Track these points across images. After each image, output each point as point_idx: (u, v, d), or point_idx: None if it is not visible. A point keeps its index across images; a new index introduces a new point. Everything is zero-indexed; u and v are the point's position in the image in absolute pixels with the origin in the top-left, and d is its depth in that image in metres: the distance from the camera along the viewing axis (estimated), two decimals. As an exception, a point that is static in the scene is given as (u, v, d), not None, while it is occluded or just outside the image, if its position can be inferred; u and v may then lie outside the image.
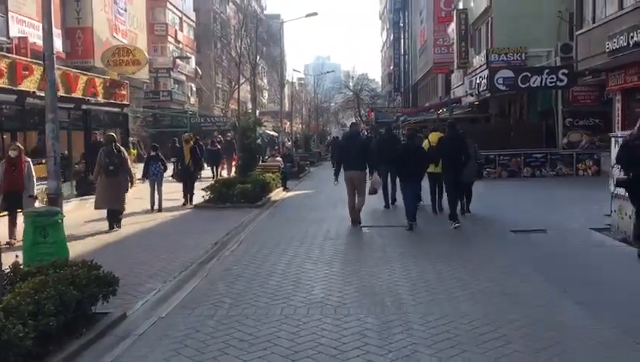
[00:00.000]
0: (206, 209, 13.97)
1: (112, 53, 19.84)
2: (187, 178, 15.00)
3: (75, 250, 8.01)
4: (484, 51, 26.04)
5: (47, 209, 5.86)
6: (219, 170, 21.26)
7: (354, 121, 75.71)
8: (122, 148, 11.58)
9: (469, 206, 12.06)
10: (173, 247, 9.17)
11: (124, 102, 19.80)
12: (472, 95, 25.31)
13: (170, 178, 15.70)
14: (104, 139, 12.29)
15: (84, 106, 17.19)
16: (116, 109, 19.43)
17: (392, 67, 71.56)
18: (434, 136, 13.81)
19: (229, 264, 7.86)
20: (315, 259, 8.03)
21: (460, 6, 32.36)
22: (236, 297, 6.23)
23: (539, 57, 24.56)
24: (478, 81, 23.54)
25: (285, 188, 18.98)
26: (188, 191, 14.88)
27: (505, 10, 25.17)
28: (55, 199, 5.97)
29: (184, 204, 14.56)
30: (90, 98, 17.10)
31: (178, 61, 52.17)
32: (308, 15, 28.31)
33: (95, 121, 18.27)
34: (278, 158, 20.33)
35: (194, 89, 57.84)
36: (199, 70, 56.78)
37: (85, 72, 18.02)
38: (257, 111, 72.85)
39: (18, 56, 16.09)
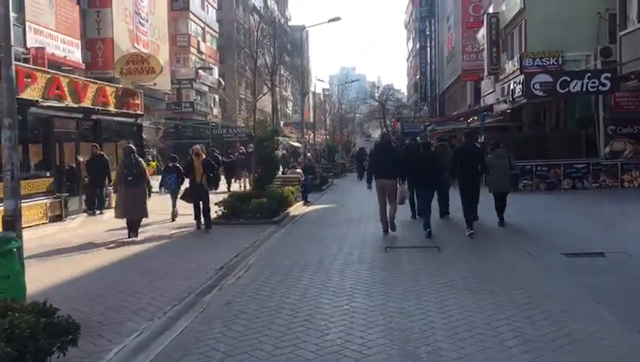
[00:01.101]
0: (218, 225, 12.83)
1: (126, 61, 19.02)
2: (199, 198, 12.16)
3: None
4: (518, 56, 24.60)
5: (0, 235, 4.77)
6: (232, 182, 20.01)
7: (384, 131, 74.67)
8: (141, 159, 11.88)
9: (502, 216, 11.65)
10: (172, 272, 8.03)
11: (138, 111, 18.91)
12: (505, 102, 23.83)
13: (179, 198, 13.23)
14: (123, 150, 12.47)
15: (94, 116, 16.31)
16: (129, 119, 18.55)
17: (418, 76, 70.26)
18: None
19: (232, 296, 6.66)
20: (333, 289, 6.79)
21: (491, 10, 30.94)
22: (233, 343, 5.03)
23: (576, 62, 23.03)
24: (512, 87, 22.09)
25: (306, 202, 17.82)
26: (202, 214, 12.24)
27: (539, 13, 23.72)
28: (12, 222, 4.88)
29: (198, 228, 12.26)
30: (100, 108, 16.19)
31: (201, 72, 51.66)
32: (330, 20, 27.18)
33: (106, 132, 17.40)
34: (298, 170, 19.18)
35: (217, 100, 57.27)
36: (222, 81, 56.20)
37: (95, 81, 17.17)
38: (282, 122, 72.38)
39: (20, 63, 15.24)
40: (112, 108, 17.07)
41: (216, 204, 13.73)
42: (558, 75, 19.78)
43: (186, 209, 13.31)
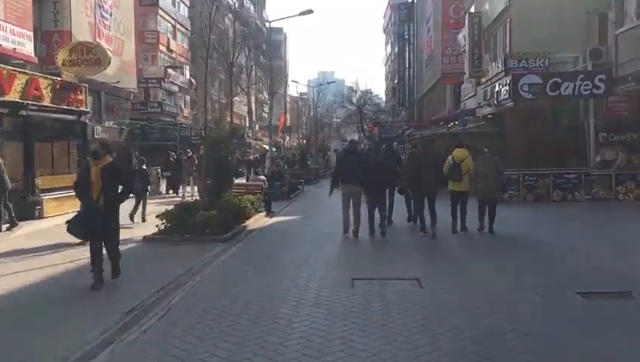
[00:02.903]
0: (155, 243, 10.78)
1: (70, 50, 16.82)
2: (94, 231, 7.45)
3: None
4: (502, 57, 23.00)
5: None
6: (179, 189, 17.53)
7: (355, 137, 73.19)
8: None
9: (491, 226, 11.28)
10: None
11: (82, 108, 16.72)
12: (489, 105, 22.14)
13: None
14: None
15: (23, 112, 14.10)
16: (71, 117, 16.34)
17: (396, 81, 68.98)
18: (460, 153, 11.87)
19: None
20: (272, 351, 4.82)
21: (472, 10, 29.40)
22: None
23: (564, 64, 21.52)
24: (497, 89, 20.40)
25: (269, 213, 15.82)
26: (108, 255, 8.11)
27: (525, 12, 22.19)
28: None
29: (97, 284, 7.39)
30: (30, 102, 14.00)
31: (170, 71, 49.29)
32: (302, 13, 25.25)
33: (40, 130, 15.18)
34: (261, 177, 17.18)
35: (187, 101, 54.91)
36: (194, 81, 53.89)
37: (26, 71, 14.96)
38: (257, 126, 70.21)
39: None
40: (47, 103, 14.88)
41: (157, 216, 11.66)
42: (548, 76, 18.14)
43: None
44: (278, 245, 10.54)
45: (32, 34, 27.34)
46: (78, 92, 16.62)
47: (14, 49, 26.68)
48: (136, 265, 8.64)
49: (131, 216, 13.50)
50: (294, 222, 14.48)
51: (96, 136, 36.20)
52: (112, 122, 41.35)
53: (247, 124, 65.55)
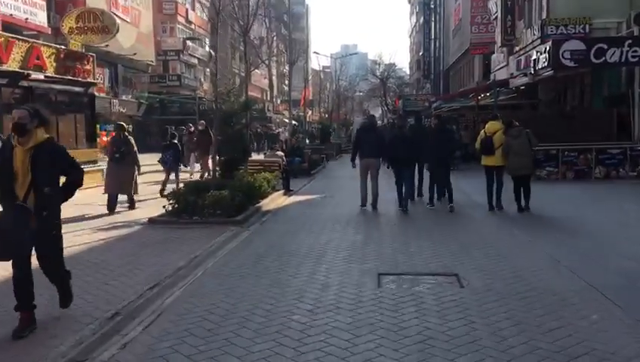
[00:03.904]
0: (160, 226, 9.80)
1: (76, 18, 15.78)
2: (18, 244, 4.60)
3: None
4: (539, 23, 21.34)
5: None
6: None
7: (378, 111, 71.49)
8: (130, 137, 11.70)
9: (528, 203, 10.81)
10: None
11: (89, 79, 15.74)
12: (525, 75, 20.59)
13: None
14: (114, 127, 12.54)
15: (24, 83, 13.16)
16: (78, 88, 15.39)
17: (421, 52, 67.02)
18: (492, 126, 11.30)
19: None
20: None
21: (506, -27, 27.56)
22: None
23: (606, 30, 19.86)
24: (534, 57, 18.86)
25: (288, 191, 14.77)
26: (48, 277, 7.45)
27: (564, -27, 20.47)
28: None
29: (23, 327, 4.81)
30: (31, 72, 13.04)
31: (189, 43, 48.13)
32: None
33: (44, 103, 14.23)
34: (279, 153, 16.08)
35: (207, 73, 53.82)
36: (213, 53, 52.64)
37: (26, 39, 13.96)
38: (279, 100, 68.87)
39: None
40: (50, 74, 13.91)
41: (164, 196, 10.66)
42: (593, 41, 16.59)
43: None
44: (295, 229, 9.47)
45: (44, 3, 26.48)
46: (85, 62, 15.64)
47: (26, 19, 25.86)
48: (133, 254, 7.64)
49: (161, 192, 13.01)
50: (314, 201, 13.40)
51: (113, 110, 35.69)
52: (129, 96, 40.56)
53: (268, 98, 64.36)
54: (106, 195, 11.37)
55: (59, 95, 14.81)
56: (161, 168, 14.50)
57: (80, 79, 15.29)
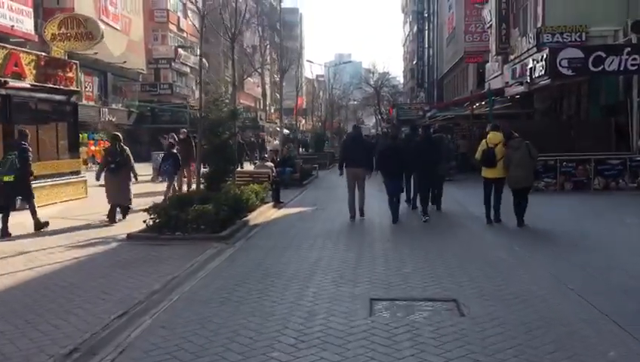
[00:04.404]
0: (139, 242, 9.22)
1: (58, 24, 15.22)
2: None
3: None
4: (534, 31, 20.96)
5: None
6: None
7: (372, 120, 71.01)
8: (125, 147, 11.83)
9: (522, 218, 10.26)
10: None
11: (72, 87, 15.18)
12: (521, 83, 20.17)
13: None
14: (109, 137, 12.71)
15: (1, 91, 12.59)
16: (59, 97, 14.82)
17: (414, 61, 66.78)
18: (495, 137, 10.81)
19: None
20: None
21: (500, -19, 27.23)
22: None
23: (603, 38, 19.48)
24: (530, 65, 18.44)
25: (278, 203, 14.22)
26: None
27: (560, -20, 20.12)
28: None
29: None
30: (8, 80, 12.48)
31: (181, 51, 47.65)
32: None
33: (22, 112, 13.69)
34: (269, 163, 15.53)
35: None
36: (205, 61, 52.15)
37: (4, 45, 13.40)
38: (272, 108, 68.39)
39: None
40: (30, 81, 13.36)
41: (145, 210, 10.10)
42: (591, 49, 16.17)
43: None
44: (283, 246, 8.91)
45: (31, 10, 25.94)
46: (68, 69, 15.06)
47: (12, 26, 25.29)
48: (105, 275, 7.05)
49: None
50: (304, 214, 12.85)
51: (102, 119, 35.06)
52: (119, 104, 39.95)
53: (261, 106, 63.86)
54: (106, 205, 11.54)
55: (39, 103, 14.22)
56: (149, 178, 14.09)
57: (62, 87, 14.71)
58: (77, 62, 15.59)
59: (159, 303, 5.85)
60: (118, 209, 11.56)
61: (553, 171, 15.80)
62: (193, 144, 15.87)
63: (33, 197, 10.47)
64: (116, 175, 11.42)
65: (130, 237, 9.55)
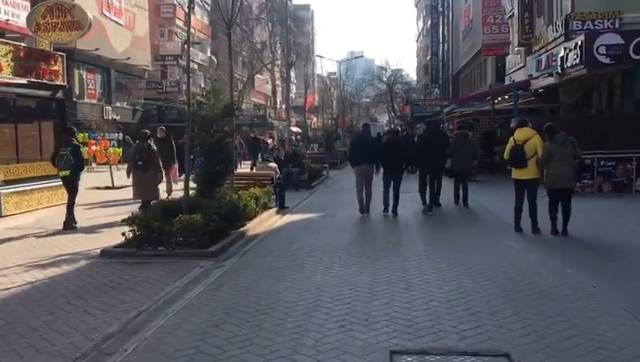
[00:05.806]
0: (116, 259, 7.77)
1: (43, 12, 13.86)
2: None
3: None
4: (562, 19, 19.29)
5: None
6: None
7: (385, 117, 69.53)
8: (153, 145, 12.16)
9: (566, 225, 9.03)
10: None
11: (57, 82, 13.80)
12: (550, 75, 18.50)
13: None
14: (139, 135, 12.76)
15: (-28, 86, 11.25)
16: (42, 92, 13.45)
17: (428, 57, 65.01)
18: (523, 133, 9.52)
19: None
20: None
21: (522, -33, 25.53)
22: None
23: (638, 25, 17.78)
24: (562, 54, 16.76)
25: (282, 209, 12.75)
26: None
27: (590, -37, 18.46)
28: None
29: None
30: (-22, 73, 11.12)
31: (188, 47, 46.22)
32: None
33: (1, 109, 12.35)
34: (272, 164, 14.04)
35: (208, 79, 51.94)
36: (214, 59, 50.87)
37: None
38: (283, 105, 67.06)
39: None
40: (7, 75, 12.01)
41: (123, 221, 8.66)
42: (632, 35, 14.50)
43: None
44: (282, 266, 7.42)
45: (28, 4, 24.66)
46: (52, 62, 13.68)
47: (7, 20, 24.09)
48: (55, 310, 5.59)
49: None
50: (311, 222, 11.36)
51: (106, 118, 33.77)
52: (124, 102, 38.69)
53: (271, 104, 62.46)
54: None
55: (18, 100, 12.86)
56: None
57: (46, 81, 13.34)
58: (63, 54, 14.19)
59: (109, 356, 4.39)
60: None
61: (590, 171, 14.17)
62: (173, 144, 14.89)
63: (76, 194, 10.75)
64: (144, 172, 11.81)
65: (103, 253, 8.10)
